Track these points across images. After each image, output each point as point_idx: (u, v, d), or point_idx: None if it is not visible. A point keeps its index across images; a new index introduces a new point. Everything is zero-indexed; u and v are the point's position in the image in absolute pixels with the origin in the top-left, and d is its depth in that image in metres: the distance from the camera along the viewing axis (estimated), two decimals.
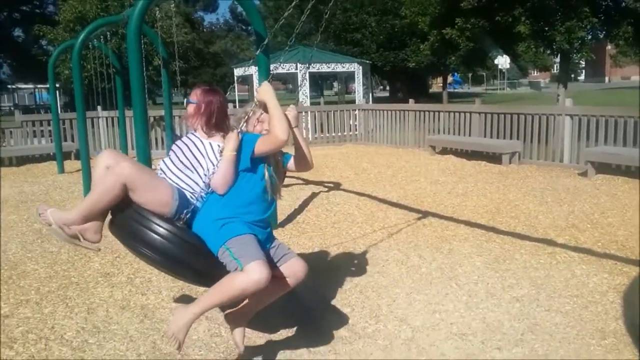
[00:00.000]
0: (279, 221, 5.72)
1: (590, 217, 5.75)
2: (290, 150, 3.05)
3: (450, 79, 45.32)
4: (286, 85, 61.32)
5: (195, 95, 2.99)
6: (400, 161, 10.22)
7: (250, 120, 2.96)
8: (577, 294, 3.77)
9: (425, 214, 6.03)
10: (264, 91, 2.84)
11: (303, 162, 3.05)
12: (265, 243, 2.84)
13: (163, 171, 2.90)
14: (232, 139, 2.78)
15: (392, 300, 3.81)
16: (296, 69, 16.00)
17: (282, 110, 2.81)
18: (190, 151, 2.89)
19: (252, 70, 15.41)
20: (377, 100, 27.11)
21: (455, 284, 4.04)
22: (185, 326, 2.53)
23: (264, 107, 2.87)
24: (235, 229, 2.67)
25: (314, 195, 7.16)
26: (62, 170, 10.10)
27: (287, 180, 8.14)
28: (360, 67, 17.01)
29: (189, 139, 2.95)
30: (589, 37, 14.78)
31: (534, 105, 12.35)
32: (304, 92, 16.01)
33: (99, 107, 12.49)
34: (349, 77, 21.29)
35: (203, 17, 55.76)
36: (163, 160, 2.96)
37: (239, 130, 2.85)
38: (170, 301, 3.84)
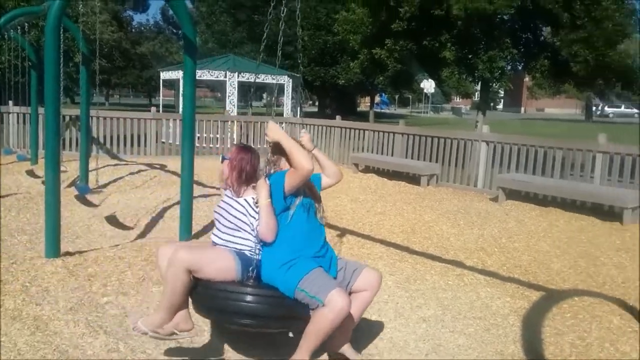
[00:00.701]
0: (194, 232, 5.56)
1: (498, 241, 5.98)
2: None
3: (377, 99, 46.47)
4: (214, 93, 60.52)
5: (230, 152, 3.17)
6: None
7: (276, 163, 3.11)
8: (481, 316, 3.88)
9: (343, 231, 6.06)
10: (273, 131, 2.99)
11: (333, 175, 3.28)
12: (332, 268, 2.98)
13: (215, 242, 3.05)
14: (263, 187, 2.90)
15: None
16: (225, 77, 15.81)
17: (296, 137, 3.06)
18: (230, 214, 3.02)
19: (179, 74, 15.07)
20: (305, 114, 27.27)
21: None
22: None
23: (278, 146, 2.98)
24: (302, 268, 2.80)
25: None
26: None
27: (205, 190, 8.00)
28: (291, 80, 17.06)
29: (225, 202, 3.09)
30: (509, 67, 15.55)
31: (454, 130, 12.81)
32: (232, 101, 15.82)
33: (10, 102, 11.77)
34: (279, 89, 21.31)
35: (132, 17, 54.13)
36: (212, 233, 3.12)
37: (265, 175, 2.97)
38: (67, 313, 3.61)
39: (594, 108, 56.24)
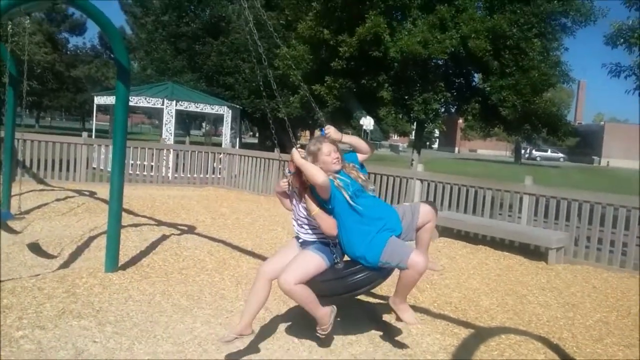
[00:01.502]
0: (120, 262, 5.33)
1: (430, 277, 6.05)
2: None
3: (318, 133, 46.96)
4: (152, 120, 59.41)
5: (290, 167, 3.71)
6: (260, 209, 10.17)
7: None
8: (411, 354, 3.89)
9: None
10: (294, 159, 3.52)
11: (365, 151, 3.92)
12: (397, 226, 3.62)
13: (303, 238, 3.78)
14: (309, 199, 3.56)
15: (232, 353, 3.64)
16: (162, 104, 15.55)
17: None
18: (306, 216, 3.72)
19: (114, 99, 14.71)
20: (245, 146, 27.15)
21: (297, 339, 3.98)
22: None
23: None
24: (377, 244, 3.48)
25: (164, 237, 6.82)
26: None
27: (136, 220, 7.74)
28: (230, 111, 16.97)
29: (299, 207, 3.79)
30: (442, 109, 16.14)
31: (390, 167, 13.07)
32: (169, 129, 15.54)
33: None
34: (218, 119, 21.13)
35: (68, 39, 52.64)
36: (298, 232, 3.82)
37: (309, 187, 3.55)
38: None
39: (522, 151, 59.08)
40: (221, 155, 13.82)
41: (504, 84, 13.52)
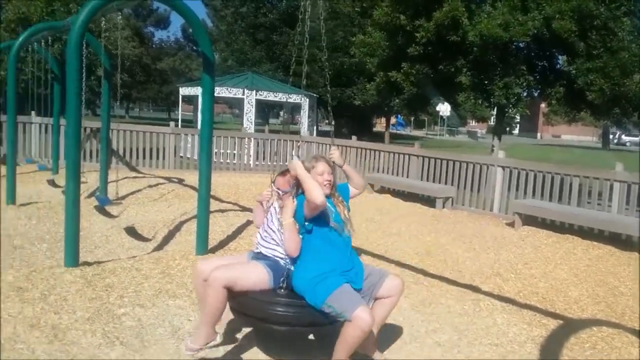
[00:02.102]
0: (210, 247, 5.59)
1: (515, 266, 5.93)
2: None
3: (393, 120, 46.56)
4: (232, 110, 61.04)
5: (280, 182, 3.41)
6: None
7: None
8: (497, 343, 3.85)
9: (357, 252, 6.03)
10: (293, 167, 3.20)
11: (359, 187, 3.67)
12: (359, 279, 3.20)
13: (257, 249, 3.41)
14: (288, 206, 3.19)
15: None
16: (243, 94, 15.97)
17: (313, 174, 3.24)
18: (266, 224, 3.42)
19: (198, 90, 15.25)
20: (321, 134, 27.40)
21: None
22: None
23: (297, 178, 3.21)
24: (329, 285, 3.02)
25: (248, 222, 7.06)
26: None
27: (222, 206, 8.05)
28: (307, 100, 17.18)
29: (269, 218, 3.45)
30: (525, 94, 15.54)
31: (470, 154, 12.80)
32: (249, 119, 15.96)
33: (33, 112, 11.98)
34: (296, 108, 21.46)
35: (153, 33, 55.05)
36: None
37: (294, 196, 3.25)
38: (85, 322, 3.64)
39: (610, 136, 55.86)
40: (300, 142, 14.04)
41: (591, 67, 12.80)
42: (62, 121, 10.07)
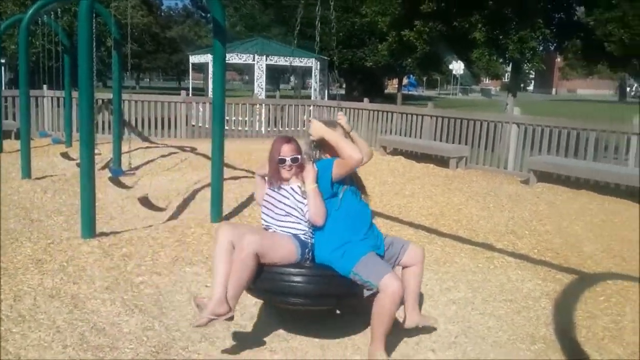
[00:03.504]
0: (224, 213, 5.63)
1: (529, 224, 5.91)
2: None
3: (405, 81, 46.00)
4: (242, 76, 60.64)
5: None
6: None
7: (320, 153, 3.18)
8: (511, 299, 3.86)
9: (371, 214, 6.05)
10: (317, 129, 3.09)
11: (366, 154, 3.25)
12: (381, 247, 3.12)
13: (267, 228, 3.14)
14: (310, 172, 3.01)
15: None
16: (253, 60, 15.84)
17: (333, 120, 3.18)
18: (279, 201, 3.11)
19: (208, 57, 15.15)
20: (333, 97, 27.18)
21: None
22: None
23: (322, 141, 3.10)
24: (355, 253, 2.94)
25: None
26: (0, 149, 9.65)
27: (235, 173, 8.08)
28: (318, 63, 16.99)
29: (272, 191, 3.16)
30: (541, 48, 15.20)
31: (483, 112, 12.63)
32: (260, 85, 15.86)
33: (44, 86, 12.02)
34: (306, 72, 21.25)
35: (161, 1, 54.52)
36: (263, 219, 3.19)
37: (313, 161, 3.08)
38: (103, 292, 3.72)
39: (628, 89, 54.71)
40: (311, 107, 13.97)
41: (610, 17, 12.46)
42: (74, 93, 10.10)
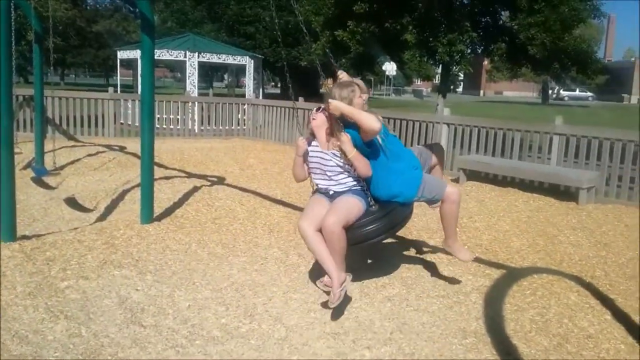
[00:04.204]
0: (155, 214, 5.46)
1: (460, 221, 6.04)
2: None
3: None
4: (174, 73, 59.29)
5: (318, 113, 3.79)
6: (287, 158, 10.20)
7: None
8: (444, 294, 3.95)
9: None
10: (337, 107, 3.49)
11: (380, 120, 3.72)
12: (419, 166, 3.87)
13: (326, 187, 3.76)
14: (347, 141, 3.50)
15: (268, 299, 3.76)
16: (185, 56, 15.49)
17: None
18: (330, 164, 3.69)
19: (137, 53, 14.70)
20: (268, 96, 27.04)
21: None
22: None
23: (341, 118, 3.54)
24: (413, 182, 3.69)
25: (195, 189, 6.94)
26: None
27: (167, 172, 7.86)
28: (252, 61, 16.85)
29: (320, 154, 3.74)
30: (468, 51, 15.73)
31: (416, 112, 12.92)
32: (192, 82, 15.54)
33: None
34: (240, 70, 21.01)
35: None
36: (318, 180, 3.81)
37: (344, 130, 3.55)
38: (25, 297, 3.51)
39: (550, 91, 57.62)
40: (245, 106, 13.81)
41: (533, 21, 13.05)
42: None
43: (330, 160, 3.67)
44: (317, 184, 3.81)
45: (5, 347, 2.91)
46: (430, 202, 3.80)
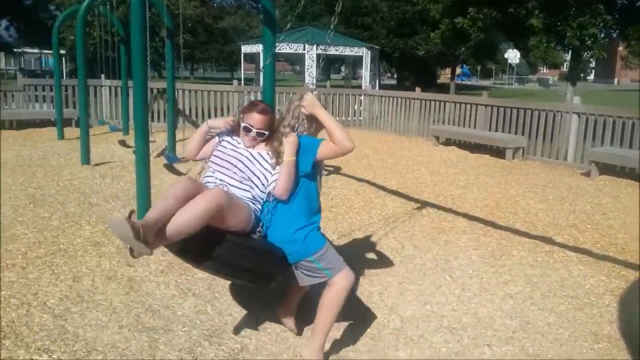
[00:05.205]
0: None
1: (591, 217, 5.66)
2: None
3: (458, 70, 45.00)
4: (293, 67, 60.89)
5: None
6: (402, 149, 10.11)
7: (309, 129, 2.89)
8: (573, 295, 3.70)
9: (423, 204, 5.94)
10: (311, 104, 2.79)
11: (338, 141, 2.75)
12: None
13: (217, 184, 2.76)
14: (293, 144, 2.72)
15: (384, 288, 3.74)
16: (304, 49, 15.81)
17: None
18: (243, 163, 2.79)
19: (260, 48, 15.23)
20: (384, 87, 26.90)
21: (449, 276, 3.97)
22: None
23: (313, 119, 2.83)
24: (318, 240, 2.74)
25: None
26: (61, 136, 10.00)
27: None
28: (369, 52, 16.82)
29: (237, 150, 2.85)
30: (602, 34, 14.56)
31: (542, 101, 12.18)
32: (311, 74, 15.83)
33: (102, 76, 12.36)
34: (357, 61, 21.07)
35: None
36: (217, 177, 2.81)
37: (296, 131, 2.82)
38: (159, 274, 3.78)
39: None
40: (361, 97, 13.84)
41: None
42: (130, 83, 10.33)
43: (249, 160, 2.80)
44: (211, 175, 2.82)
45: (140, 319, 3.14)
46: (315, 275, 2.71)
